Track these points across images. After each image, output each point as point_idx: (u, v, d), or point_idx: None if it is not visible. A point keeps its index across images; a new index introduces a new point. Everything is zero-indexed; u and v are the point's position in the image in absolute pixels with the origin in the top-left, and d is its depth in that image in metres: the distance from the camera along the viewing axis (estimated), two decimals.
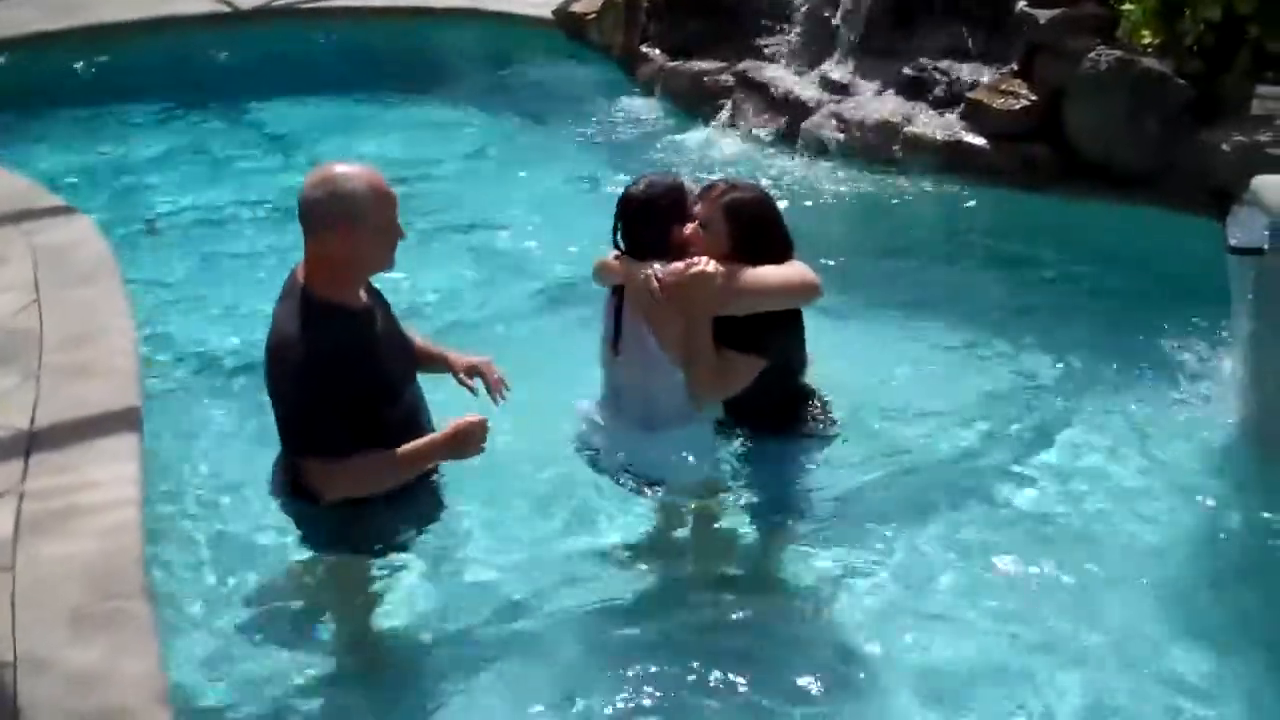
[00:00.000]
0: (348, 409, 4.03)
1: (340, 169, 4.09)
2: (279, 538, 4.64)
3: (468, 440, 4.12)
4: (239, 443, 5.46)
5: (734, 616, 4.59)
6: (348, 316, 4.13)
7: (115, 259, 6.70)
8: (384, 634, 4.44)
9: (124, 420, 5.12)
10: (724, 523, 4.88)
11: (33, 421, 5.09)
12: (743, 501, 4.86)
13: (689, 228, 4.69)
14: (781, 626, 4.59)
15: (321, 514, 4.25)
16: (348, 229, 4.00)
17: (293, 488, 4.30)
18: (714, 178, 5.18)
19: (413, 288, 6.76)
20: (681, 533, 4.96)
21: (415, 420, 4.32)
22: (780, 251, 4.75)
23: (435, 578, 4.62)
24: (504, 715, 4.21)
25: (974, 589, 4.73)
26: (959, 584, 4.76)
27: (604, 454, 4.79)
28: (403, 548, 4.48)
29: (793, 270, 4.62)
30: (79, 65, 11.26)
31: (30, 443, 4.94)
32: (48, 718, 3.57)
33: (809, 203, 8.32)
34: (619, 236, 4.69)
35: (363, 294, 4.25)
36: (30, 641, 3.85)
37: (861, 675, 4.38)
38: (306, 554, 4.49)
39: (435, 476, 4.49)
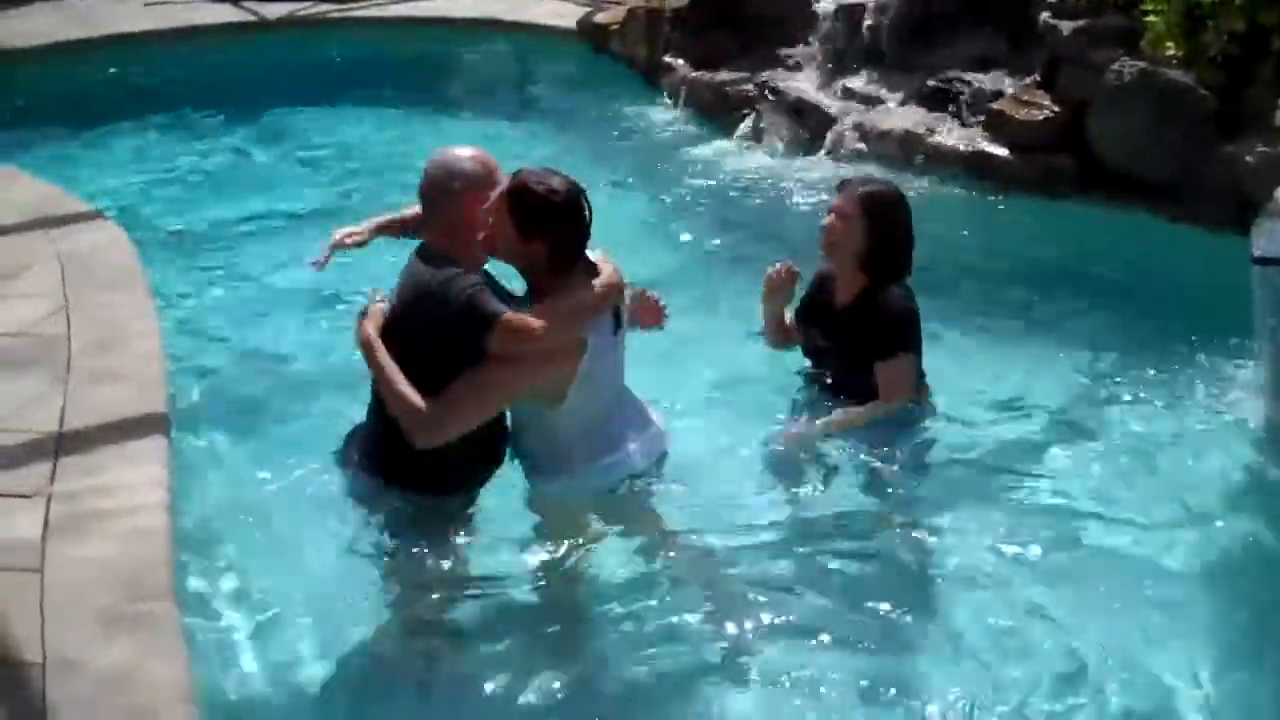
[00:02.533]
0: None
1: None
2: (306, 540, 4.66)
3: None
4: (265, 447, 5.49)
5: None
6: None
7: (141, 265, 6.73)
8: (412, 639, 4.45)
9: (151, 424, 5.15)
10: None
11: (61, 425, 5.12)
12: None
13: (828, 219, 5.09)
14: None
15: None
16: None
17: (371, 463, 4.46)
18: (851, 176, 5.55)
19: None
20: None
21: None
22: (904, 242, 5.11)
23: (473, 584, 4.62)
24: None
25: (999, 582, 4.76)
26: (984, 574, 4.79)
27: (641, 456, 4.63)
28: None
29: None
30: (104, 75, 11.33)
31: (59, 446, 4.97)
32: (75, 718, 3.59)
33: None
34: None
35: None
36: (59, 643, 3.87)
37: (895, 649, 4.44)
38: (334, 555, 4.51)
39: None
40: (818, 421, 5.17)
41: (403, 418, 4.11)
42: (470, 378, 4.12)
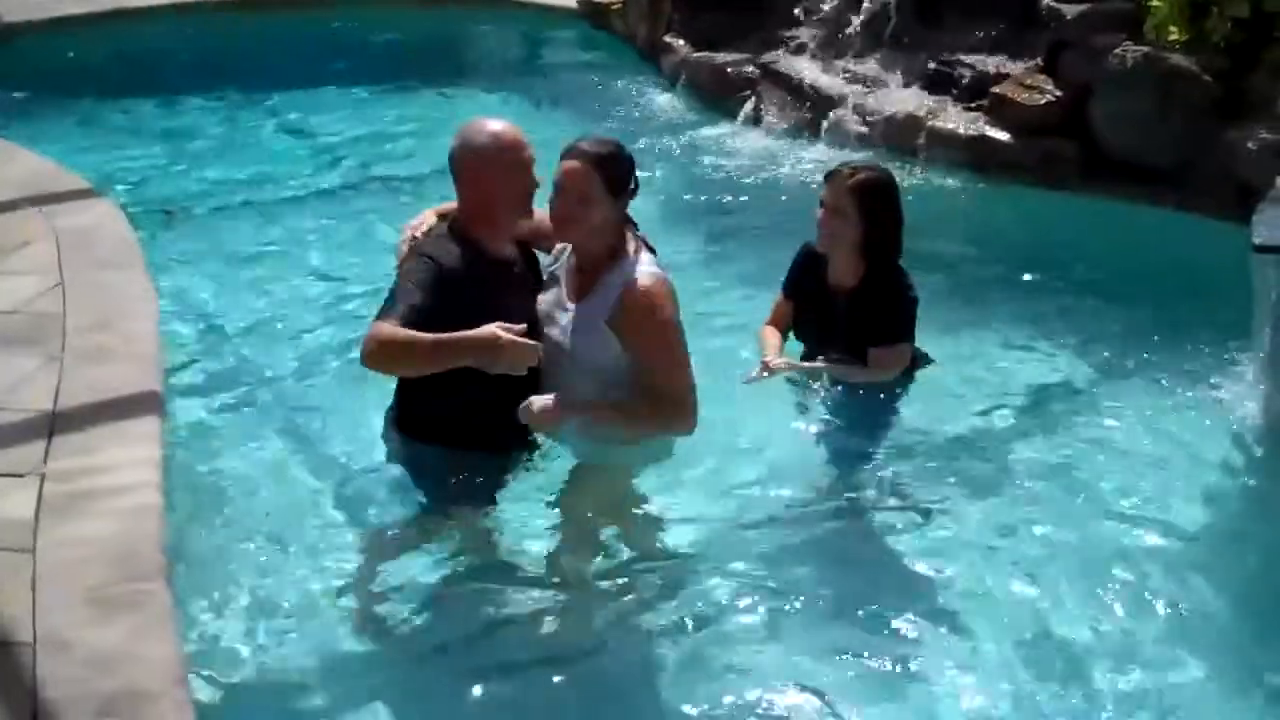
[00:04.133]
0: (422, 310, 4.20)
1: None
2: (301, 519, 4.65)
3: (499, 352, 4.10)
4: (260, 426, 5.48)
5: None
6: (469, 248, 4.43)
7: (138, 243, 6.71)
8: (406, 618, 4.43)
9: (145, 404, 5.13)
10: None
11: (55, 404, 5.09)
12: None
13: (822, 215, 5.14)
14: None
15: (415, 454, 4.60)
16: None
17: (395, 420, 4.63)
18: (837, 165, 5.43)
19: None
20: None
21: (485, 391, 4.30)
22: (899, 224, 5.17)
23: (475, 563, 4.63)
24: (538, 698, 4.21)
25: (999, 570, 4.74)
26: (985, 565, 4.76)
27: None
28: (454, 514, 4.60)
29: None
30: (105, 50, 11.29)
31: (52, 425, 4.95)
32: (66, 698, 3.57)
33: None
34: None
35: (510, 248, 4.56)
36: (50, 622, 3.85)
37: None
38: (329, 535, 4.50)
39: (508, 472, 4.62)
40: (802, 364, 5.31)
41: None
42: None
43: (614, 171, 4.39)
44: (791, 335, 5.53)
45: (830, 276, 5.30)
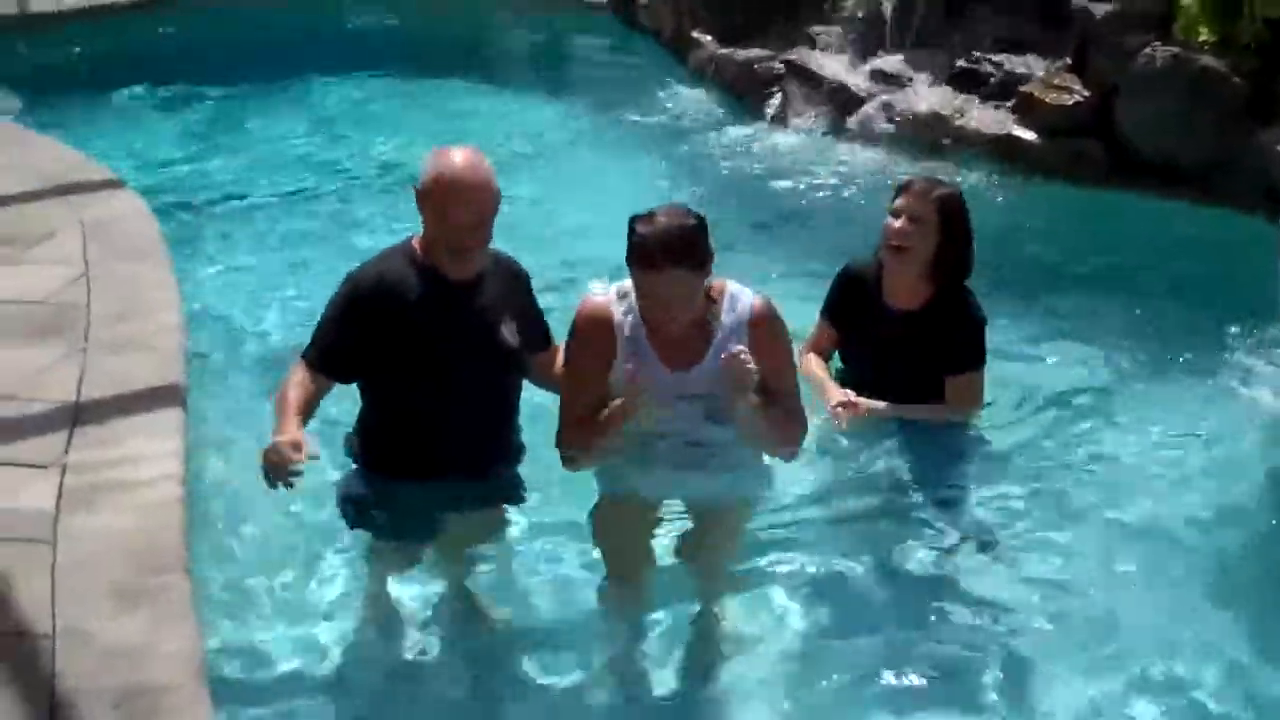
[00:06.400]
0: (355, 341, 4.23)
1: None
2: (324, 512, 4.64)
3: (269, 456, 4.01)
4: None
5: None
6: (425, 270, 4.27)
7: (162, 235, 6.72)
8: (432, 615, 4.44)
9: (168, 396, 5.13)
10: None
11: (78, 395, 5.10)
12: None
13: (898, 223, 4.86)
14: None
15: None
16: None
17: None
18: (908, 177, 5.26)
19: None
20: None
21: (440, 419, 4.30)
22: (971, 243, 4.98)
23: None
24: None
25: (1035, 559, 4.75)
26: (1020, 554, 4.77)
27: None
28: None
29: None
30: (127, 41, 11.33)
31: (75, 416, 4.95)
32: (85, 690, 3.57)
33: (858, 194, 8.27)
34: None
35: (473, 272, 4.31)
36: (70, 615, 3.85)
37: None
38: (352, 530, 4.50)
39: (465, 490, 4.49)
40: (881, 404, 4.99)
41: None
42: None
43: (706, 253, 4.08)
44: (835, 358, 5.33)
45: (887, 297, 5.02)
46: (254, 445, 5.16)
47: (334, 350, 4.27)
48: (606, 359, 4.22)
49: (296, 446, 3.94)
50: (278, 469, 3.96)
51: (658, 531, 4.53)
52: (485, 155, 4.28)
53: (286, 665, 4.21)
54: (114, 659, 3.68)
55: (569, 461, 4.34)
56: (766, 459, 4.51)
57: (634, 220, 4.05)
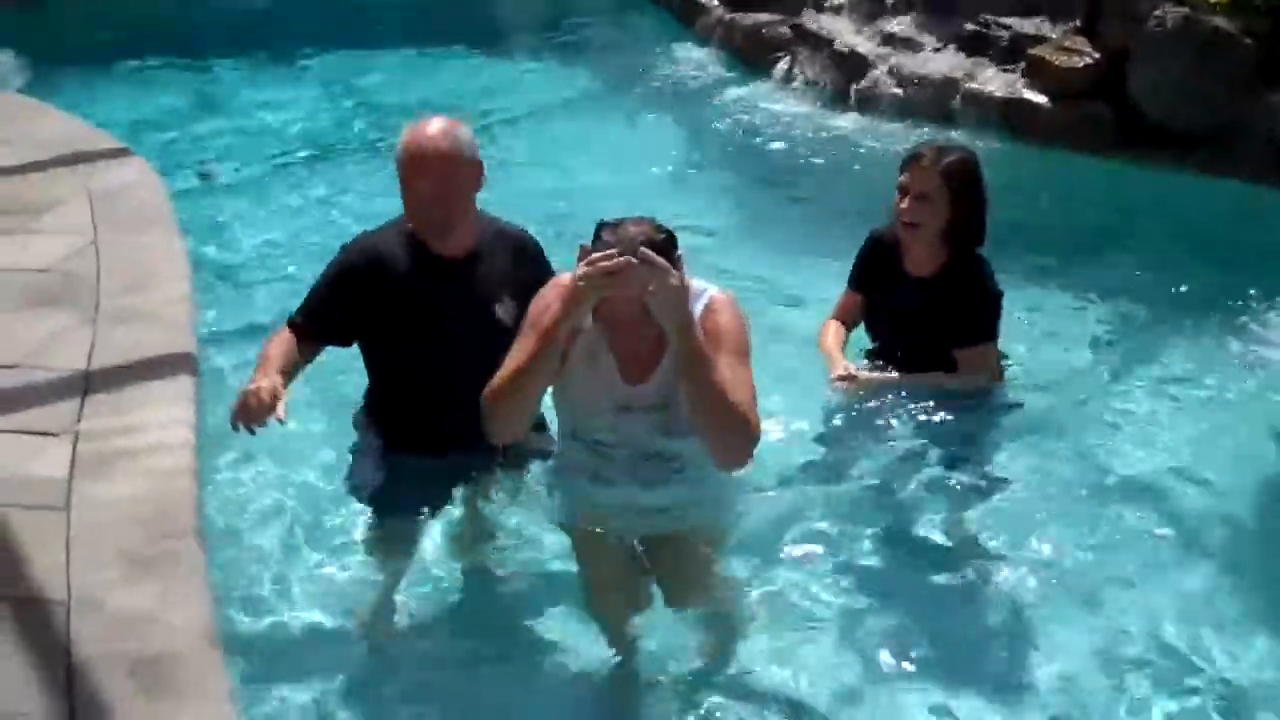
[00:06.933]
0: (344, 309, 4.25)
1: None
2: (334, 480, 4.65)
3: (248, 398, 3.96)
4: (292, 387, 5.46)
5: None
6: (415, 244, 4.24)
7: (170, 204, 6.72)
8: (441, 582, 4.44)
9: (179, 364, 5.13)
10: None
11: (89, 364, 5.11)
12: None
13: (906, 202, 4.78)
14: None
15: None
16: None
17: None
18: (917, 147, 5.04)
19: None
20: None
21: (436, 394, 4.27)
22: (984, 208, 4.87)
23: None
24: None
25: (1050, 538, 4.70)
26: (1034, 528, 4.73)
27: None
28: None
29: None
30: (137, 10, 11.29)
31: (86, 384, 4.96)
32: (99, 656, 3.59)
33: (865, 158, 8.25)
34: None
35: (462, 247, 4.26)
36: (83, 581, 3.86)
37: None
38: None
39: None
40: (882, 375, 4.98)
41: None
42: None
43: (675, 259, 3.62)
44: (860, 328, 5.28)
45: (907, 264, 4.98)
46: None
47: (320, 313, 4.30)
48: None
49: (275, 395, 3.93)
50: (253, 412, 3.93)
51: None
52: (465, 127, 4.20)
53: (301, 631, 4.22)
54: (128, 625, 3.70)
55: (492, 420, 3.82)
56: (731, 477, 4.10)
57: (600, 227, 3.67)
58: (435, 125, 4.16)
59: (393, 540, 4.48)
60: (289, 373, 4.17)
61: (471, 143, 4.23)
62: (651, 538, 4.14)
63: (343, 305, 4.26)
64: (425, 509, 4.43)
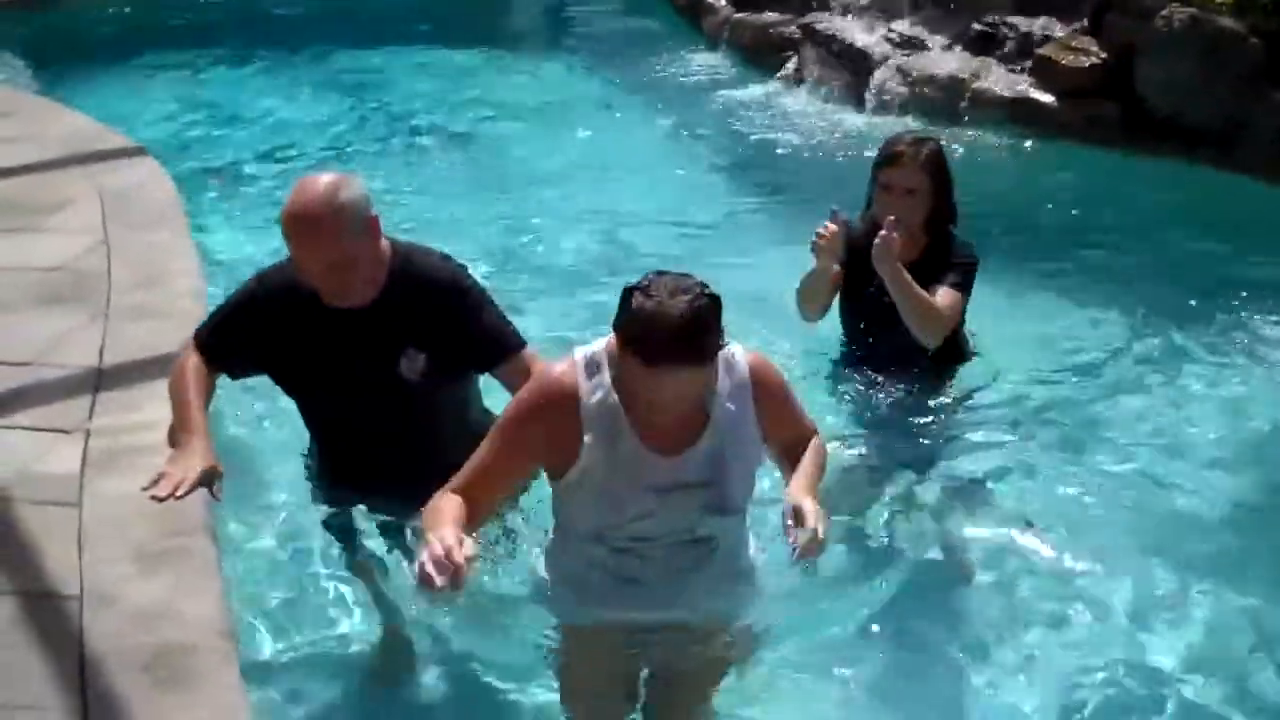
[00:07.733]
0: (239, 345, 4.09)
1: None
2: None
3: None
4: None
5: None
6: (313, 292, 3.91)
7: (182, 202, 6.74)
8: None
9: None
10: None
11: (100, 361, 5.13)
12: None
13: (893, 196, 4.75)
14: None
15: None
16: None
17: None
18: (891, 142, 4.95)
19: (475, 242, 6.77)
20: None
21: (346, 446, 4.20)
22: (953, 189, 4.88)
23: None
24: None
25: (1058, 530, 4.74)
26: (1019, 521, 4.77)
27: None
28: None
29: None
30: (148, 10, 11.33)
31: (97, 382, 4.98)
32: (113, 651, 3.61)
33: (872, 158, 8.20)
34: None
35: (364, 297, 3.93)
36: (96, 576, 3.88)
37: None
38: None
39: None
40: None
41: None
42: None
43: (719, 342, 3.18)
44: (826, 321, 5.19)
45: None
46: (274, 409, 5.24)
47: (219, 346, 4.13)
48: (557, 446, 3.33)
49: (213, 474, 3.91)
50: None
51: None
52: (349, 187, 3.80)
53: (313, 625, 4.26)
54: (141, 620, 3.71)
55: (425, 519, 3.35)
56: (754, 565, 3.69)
57: (630, 291, 3.10)
58: (316, 191, 3.75)
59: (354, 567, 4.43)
60: (205, 413, 4.08)
61: (357, 204, 3.81)
62: (654, 656, 3.70)
63: (238, 342, 4.09)
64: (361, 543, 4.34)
